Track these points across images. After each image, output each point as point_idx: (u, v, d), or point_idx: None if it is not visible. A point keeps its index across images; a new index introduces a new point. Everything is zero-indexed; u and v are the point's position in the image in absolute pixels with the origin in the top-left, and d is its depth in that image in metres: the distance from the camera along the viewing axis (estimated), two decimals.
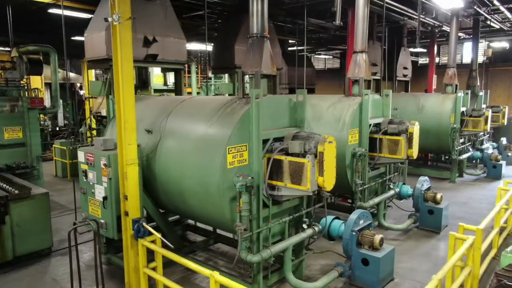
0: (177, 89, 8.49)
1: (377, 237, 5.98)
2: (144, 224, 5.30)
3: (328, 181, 5.07)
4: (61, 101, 20.07)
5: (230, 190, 5.02)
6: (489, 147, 14.64)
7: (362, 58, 8.04)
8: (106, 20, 5.08)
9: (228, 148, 4.97)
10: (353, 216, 6.12)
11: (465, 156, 13.18)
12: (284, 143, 5.32)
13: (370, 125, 7.93)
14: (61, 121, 20.96)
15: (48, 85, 20.22)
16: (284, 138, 5.45)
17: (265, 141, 5.37)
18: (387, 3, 11.72)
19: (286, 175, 5.19)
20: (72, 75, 22.44)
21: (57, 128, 19.81)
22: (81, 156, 6.21)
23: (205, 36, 8.73)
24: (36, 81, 18.62)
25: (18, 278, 6.49)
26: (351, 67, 8.22)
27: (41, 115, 18.53)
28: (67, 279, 5.53)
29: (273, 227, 5.55)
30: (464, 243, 5.28)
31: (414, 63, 27.33)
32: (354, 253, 6.06)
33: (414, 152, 7.66)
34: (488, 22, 15.26)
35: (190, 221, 7.92)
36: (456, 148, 12.44)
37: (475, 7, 12.78)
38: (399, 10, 13.13)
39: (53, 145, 14.34)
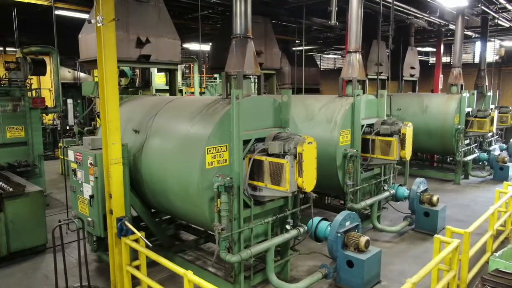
0: (171, 89, 8.57)
1: (363, 239, 5.91)
2: (127, 222, 5.36)
3: (308, 182, 5.05)
4: (70, 100, 20.58)
5: (209, 190, 5.04)
6: (496, 148, 14.29)
7: (356, 58, 7.95)
8: (89, 22, 5.17)
9: (207, 149, 5.00)
10: (339, 217, 6.07)
11: (470, 157, 12.89)
12: (265, 143, 5.32)
13: (363, 125, 7.84)
14: (71, 120, 21.36)
15: None
16: (265, 138, 5.45)
17: (247, 142, 5.38)
18: (387, 2, 11.54)
19: (266, 176, 5.18)
20: (82, 75, 22.84)
21: (67, 127, 20.19)
22: (70, 155, 6.34)
23: (199, 36, 8.78)
24: (46, 81, 19.01)
25: (10, 274, 6.65)
26: (344, 67, 8.15)
27: (51, 114, 18.98)
28: (59, 276, 5.64)
29: (257, 227, 5.55)
30: (448, 247, 5.19)
31: (425, 63, 26.94)
32: (339, 255, 6.01)
33: (407, 153, 7.54)
34: (497, 21, 14.89)
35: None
36: (460, 150, 12.18)
37: (480, 5, 12.48)
38: (405, 10, 12.91)
39: (59, 144, 14.64)
